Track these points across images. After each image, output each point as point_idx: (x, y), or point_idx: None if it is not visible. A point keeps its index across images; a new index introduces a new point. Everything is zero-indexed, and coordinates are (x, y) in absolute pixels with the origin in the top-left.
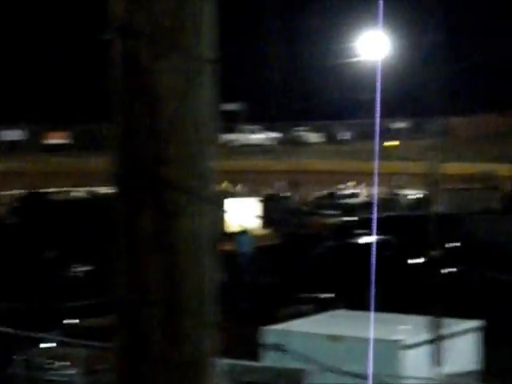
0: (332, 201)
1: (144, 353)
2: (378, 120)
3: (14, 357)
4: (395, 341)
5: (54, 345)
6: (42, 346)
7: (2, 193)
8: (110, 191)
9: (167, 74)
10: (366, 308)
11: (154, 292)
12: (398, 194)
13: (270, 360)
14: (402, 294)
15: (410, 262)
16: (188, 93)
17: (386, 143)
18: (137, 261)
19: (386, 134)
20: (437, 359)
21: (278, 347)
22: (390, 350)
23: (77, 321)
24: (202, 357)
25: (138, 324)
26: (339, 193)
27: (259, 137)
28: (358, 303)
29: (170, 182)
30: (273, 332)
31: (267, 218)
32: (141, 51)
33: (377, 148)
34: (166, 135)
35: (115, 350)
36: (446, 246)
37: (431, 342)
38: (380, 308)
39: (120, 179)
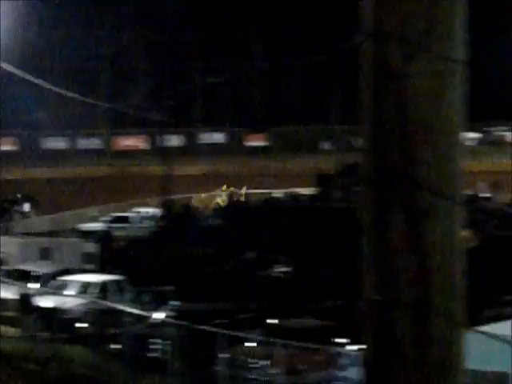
0: None
1: (394, 354)
2: None
3: (219, 355)
4: None
5: (256, 344)
6: (246, 345)
7: (205, 194)
8: (309, 193)
9: (418, 76)
10: None
11: (406, 293)
12: None
13: (473, 363)
14: None
15: None
16: (439, 95)
17: None
18: (388, 262)
19: None
20: None
21: None
22: None
23: (279, 321)
24: (451, 360)
25: (388, 325)
26: None
27: None
28: None
29: (421, 184)
30: (476, 335)
31: (467, 220)
32: (391, 54)
33: None
34: (417, 137)
35: (365, 350)
36: None
37: None
38: None
39: (370, 181)
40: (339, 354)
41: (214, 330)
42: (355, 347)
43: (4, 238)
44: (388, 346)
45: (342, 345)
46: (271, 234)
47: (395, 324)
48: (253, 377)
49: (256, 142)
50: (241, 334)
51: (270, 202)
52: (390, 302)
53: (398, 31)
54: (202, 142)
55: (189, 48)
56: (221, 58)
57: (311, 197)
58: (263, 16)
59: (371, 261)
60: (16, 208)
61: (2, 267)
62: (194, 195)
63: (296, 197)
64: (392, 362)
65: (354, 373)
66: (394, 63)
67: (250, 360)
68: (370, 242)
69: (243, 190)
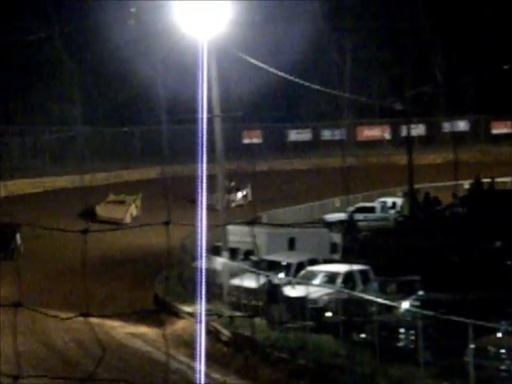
0: None
1: None
2: None
3: (467, 345)
4: None
5: (505, 334)
6: (494, 335)
7: (449, 183)
8: None
9: None
10: None
11: None
12: None
13: None
14: None
15: None
16: None
17: None
18: None
19: None
20: None
21: None
22: None
23: None
24: None
25: None
26: None
27: None
28: None
29: None
30: None
31: None
32: None
33: None
34: None
35: None
36: None
37: None
38: None
39: None
40: None
41: (461, 320)
42: None
43: (252, 229)
44: None
45: None
46: None
47: None
48: (502, 367)
49: (501, 129)
50: (489, 324)
51: None
52: None
53: None
54: (445, 130)
55: (431, 36)
56: (458, 46)
57: None
58: None
59: None
60: None
61: (252, 257)
62: (435, 185)
63: None
64: None
65: None
66: None
67: (498, 350)
68: None
69: None
